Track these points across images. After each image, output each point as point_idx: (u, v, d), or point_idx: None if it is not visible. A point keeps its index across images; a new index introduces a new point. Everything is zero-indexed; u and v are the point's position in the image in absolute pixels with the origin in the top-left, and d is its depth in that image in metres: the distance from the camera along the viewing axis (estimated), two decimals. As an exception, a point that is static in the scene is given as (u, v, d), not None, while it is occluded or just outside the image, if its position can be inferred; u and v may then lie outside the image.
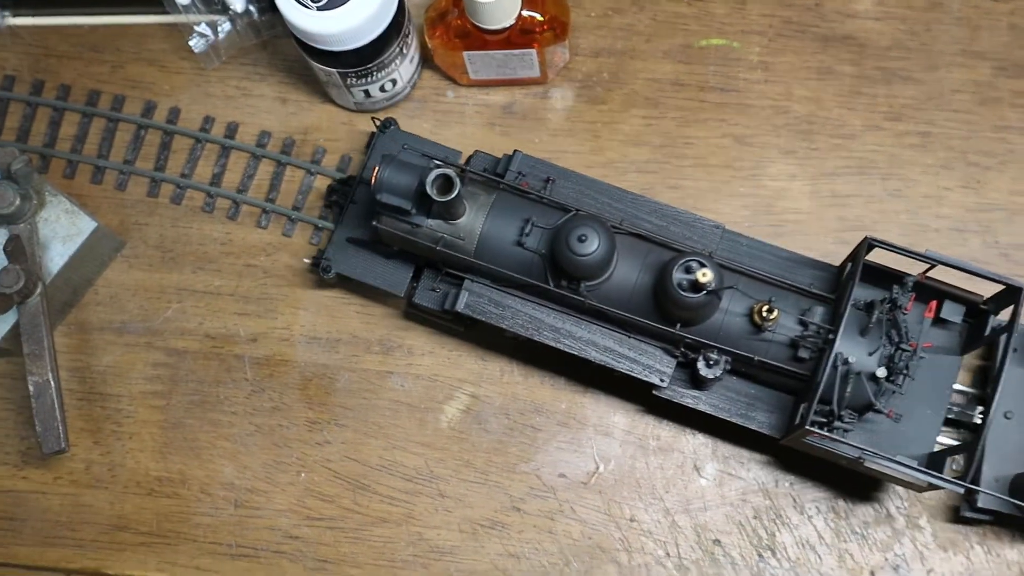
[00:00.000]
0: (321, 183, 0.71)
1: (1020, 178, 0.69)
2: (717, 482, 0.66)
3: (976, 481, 0.60)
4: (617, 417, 0.67)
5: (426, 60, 0.72)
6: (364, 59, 0.64)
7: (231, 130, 0.72)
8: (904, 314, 0.58)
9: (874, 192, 0.70)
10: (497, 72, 0.70)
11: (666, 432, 0.67)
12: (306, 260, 0.69)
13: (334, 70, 0.65)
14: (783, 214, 0.70)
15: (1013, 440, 0.61)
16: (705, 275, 0.56)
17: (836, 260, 0.65)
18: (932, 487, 0.57)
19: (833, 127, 0.70)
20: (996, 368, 0.57)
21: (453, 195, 0.57)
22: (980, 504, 0.61)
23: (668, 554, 0.65)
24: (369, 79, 0.67)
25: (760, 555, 0.65)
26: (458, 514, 0.67)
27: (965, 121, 0.70)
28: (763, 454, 0.66)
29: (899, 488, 0.65)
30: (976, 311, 0.60)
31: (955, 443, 0.62)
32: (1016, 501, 0.58)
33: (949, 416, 0.61)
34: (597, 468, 0.67)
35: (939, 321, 0.61)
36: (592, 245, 0.57)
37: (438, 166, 0.58)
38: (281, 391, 0.68)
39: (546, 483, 0.67)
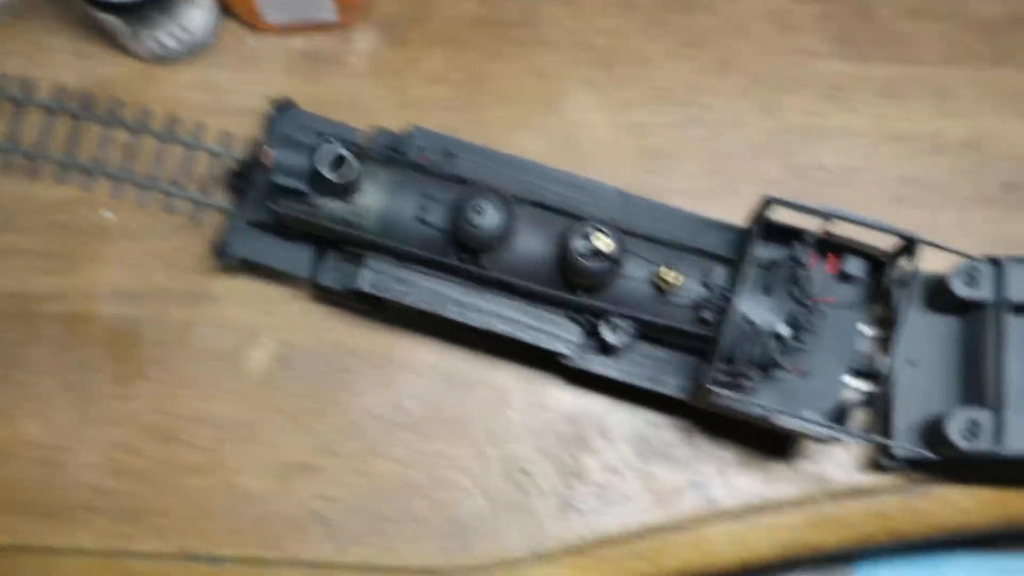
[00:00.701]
0: (119, 135, 0.70)
1: (812, 99, 0.70)
2: (525, 413, 0.67)
3: (887, 432, 0.62)
4: (424, 354, 0.67)
5: (227, 9, 0.71)
6: (143, 4, 0.63)
7: (26, 86, 0.71)
8: (806, 270, 0.59)
9: (674, 120, 0.70)
10: (293, 15, 0.70)
11: (473, 367, 0.67)
12: (108, 214, 0.69)
13: (112, 17, 0.64)
14: (583, 145, 0.70)
15: (921, 387, 0.62)
16: (601, 240, 0.56)
17: (637, 189, 0.65)
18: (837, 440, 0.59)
19: (633, 57, 0.71)
20: (895, 319, 0.58)
21: (348, 174, 0.57)
22: (898, 453, 0.62)
23: (478, 486, 0.66)
24: (155, 26, 0.66)
25: (567, 482, 0.65)
26: (270, 460, 0.67)
27: (761, 47, 0.70)
28: (570, 384, 0.67)
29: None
30: (878, 264, 0.61)
31: (866, 394, 0.62)
32: (923, 451, 0.60)
33: (857, 369, 0.61)
34: (407, 406, 0.67)
35: (846, 277, 0.62)
36: (488, 216, 0.58)
37: (331, 143, 0.58)
38: (86, 347, 0.68)
39: (358, 424, 0.67)
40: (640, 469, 0.66)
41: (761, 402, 0.58)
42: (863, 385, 0.63)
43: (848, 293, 0.62)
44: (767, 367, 0.59)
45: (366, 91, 0.70)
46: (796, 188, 0.68)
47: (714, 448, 0.66)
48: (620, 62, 0.70)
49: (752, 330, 0.58)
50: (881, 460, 0.63)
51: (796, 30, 0.70)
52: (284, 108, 0.66)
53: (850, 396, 0.62)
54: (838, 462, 0.66)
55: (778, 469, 0.66)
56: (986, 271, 0.59)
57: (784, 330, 0.57)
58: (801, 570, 0.82)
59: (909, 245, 0.58)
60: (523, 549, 0.66)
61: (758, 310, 0.58)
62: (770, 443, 0.66)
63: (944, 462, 0.61)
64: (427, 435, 0.66)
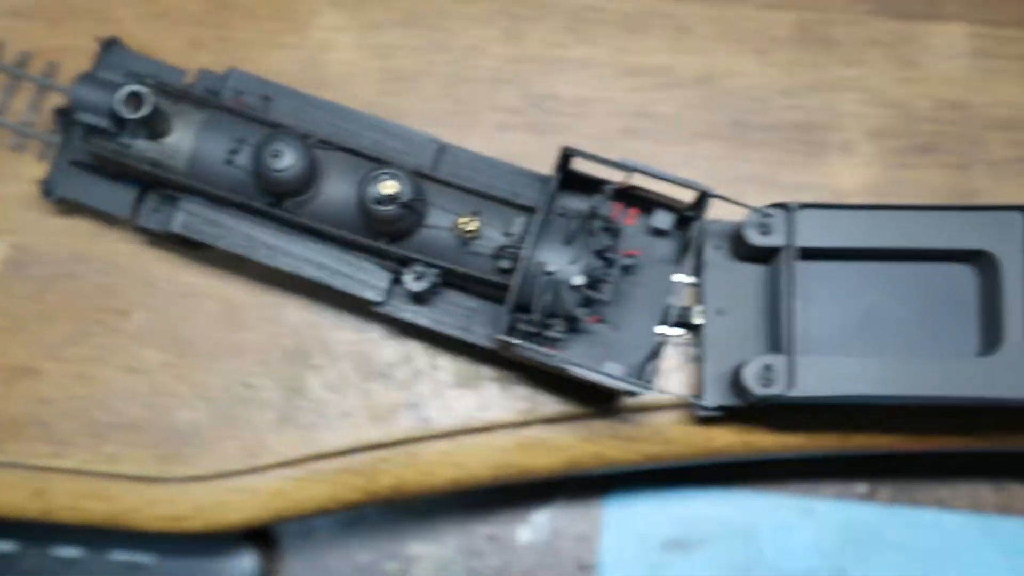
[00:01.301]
0: None
1: (555, 30, 0.70)
2: (252, 328, 0.68)
3: (700, 381, 0.63)
4: (152, 266, 0.68)
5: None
6: None
7: None
8: (611, 223, 0.60)
9: (419, 44, 0.71)
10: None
11: (199, 279, 0.68)
12: None
13: None
14: (329, 66, 0.71)
15: (730, 336, 0.63)
16: (388, 187, 0.57)
17: (378, 110, 0.66)
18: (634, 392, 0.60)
19: (378, -21, 0.71)
20: (696, 271, 0.60)
21: (144, 112, 0.58)
22: (707, 403, 0.63)
23: (199, 396, 0.67)
24: None
25: (287, 397, 0.67)
26: (-8, 362, 0.67)
27: (507, -25, 0.71)
28: (300, 298, 0.67)
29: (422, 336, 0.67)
30: (685, 217, 0.62)
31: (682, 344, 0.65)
32: (728, 400, 0.63)
33: (673, 321, 0.62)
34: (134, 315, 0.68)
35: (660, 231, 0.63)
36: (286, 160, 0.58)
37: (133, 84, 0.58)
38: None
39: (83, 330, 0.68)
40: (359, 387, 0.67)
41: (563, 354, 0.59)
42: (678, 334, 0.64)
43: (663, 247, 0.63)
44: (568, 318, 0.60)
45: (115, 13, 0.70)
46: (532, 117, 0.69)
47: (433, 371, 0.67)
48: (367, -16, 0.70)
49: (549, 280, 0.58)
50: (694, 411, 0.64)
51: (534, -41, 0.70)
52: (110, 46, 0.66)
53: (668, 346, 0.63)
54: (550, 388, 0.67)
55: (493, 393, 0.67)
56: (779, 218, 0.60)
57: (580, 280, 0.58)
58: (553, 505, 0.84)
59: (701, 198, 0.59)
60: (240, 461, 0.67)
61: (556, 260, 0.59)
62: (487, 372, 0.67)
63: (754, 409, 0.63)
64: (151, 345, 0.67)
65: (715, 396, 0.63)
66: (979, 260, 0.61)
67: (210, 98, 0.62)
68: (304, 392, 0.67)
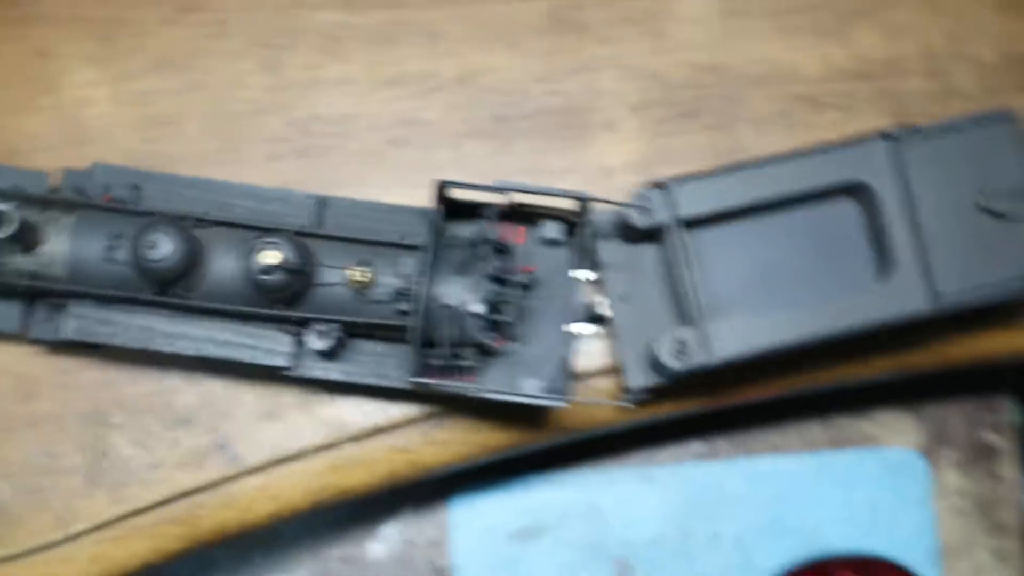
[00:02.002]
0: None
1: (309, 53, 0.70)
2: (46, 397, 0.68)
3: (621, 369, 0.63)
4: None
5: None
6: None
7: None
8: (499, 244, 0.60)
9: (176, 86, 0.70)
10: None
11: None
12: None
13: None
14: (88, 121, 0.70)
15: (638, 319, 0.64)
16: (270, 256, 0.56)
17: (143, 159, 0.66)
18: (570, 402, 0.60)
19: (133, 28, 0.71)
20: (593, 266, 0.60)
21: (11, 230, 0.56)
22: (632, 386, 0.63)
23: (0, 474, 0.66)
24: None
25: (92, 460, 0.66)
26: None
27: (255, 4, 0.71)
28: (93, 360, 0.67)
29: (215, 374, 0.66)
30: (572, 224, 0.62)
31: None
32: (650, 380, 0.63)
33: (577, 321, 0.63)
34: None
35: (552, 242, 0.63)
36: (163, 249, 0.57)
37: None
38: None
39: None
40: (165, 437, 0.67)
41: (478, 385, 0.60)
42: (590, 331, 0.65)
43: (559, 255, 0.63)
44: (476, 345, 0.60)
45: None
46: (300, 143, 0.69)
47: (235, 408, 0.67)
48: (120, 34, 0.70)
49: (450, 313, 0.58)
50: (624, 400, 0.64)
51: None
52: None
53: (581, 345, 0.64)
54: (355, 403, 0.67)
55: (298, 419, 0.67)
56: (657, 197, 0.60)
57: (479, 308, 0.58)
58: (400, 515, 0.85)
59: (583, 203, 0.59)
60: (53, 532, 0.66)
61: (453, 292, 0.59)
62: (289, 400, 0.67)
63: (681, 382, 0.63)
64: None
65: (638, 380, 0.64)
66: (855, 192, 0.63)
67: (77, 199, 0.61)
68: (109, 452, 0.66)
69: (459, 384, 0.60)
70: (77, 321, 0.62)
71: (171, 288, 0.60)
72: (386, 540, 0.87)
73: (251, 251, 0.57)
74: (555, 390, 0.62)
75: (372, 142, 0.69)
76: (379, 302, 0.60)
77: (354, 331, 0.62)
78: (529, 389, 0.61)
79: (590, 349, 0.67)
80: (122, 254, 0.60)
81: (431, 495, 0.87)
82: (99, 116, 0.69)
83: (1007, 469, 0.87)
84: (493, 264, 0.60)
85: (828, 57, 0.70)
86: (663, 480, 0.88)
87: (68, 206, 0.61)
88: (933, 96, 0.69)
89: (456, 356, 0.60)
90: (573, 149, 0.69)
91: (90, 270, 0.60)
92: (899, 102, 0.69)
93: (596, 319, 0.65)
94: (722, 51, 0.70)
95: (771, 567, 0.86)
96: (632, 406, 0.65)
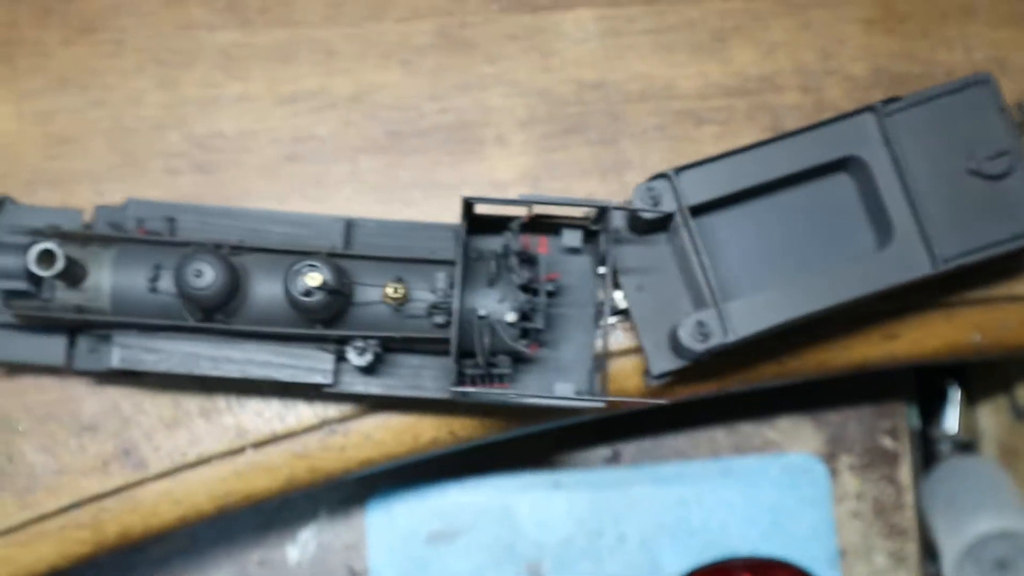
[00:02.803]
0: None
1: (208, 71, 0.73)
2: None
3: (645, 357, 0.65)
4: None
5: None
6: None
7: None
8: (526, 254, 0.62)
9: (77, 104, 0.72)
10: None
11: None
12: None
13: None
14: (-10, 140, 0.71)
15: (655, 306, 0.66)
16: (313, 279, 0.58)
17: (44, 176, 0.68)
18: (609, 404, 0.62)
19: (31, 48, 0.73)
20: (608, 272, 0.61)
21: (58, 267, 0.58)
22: (655, 372, 0.66)
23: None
24: None
25: (-5, 465, 0.68)
26: None
27: (152, 24, 0.73)
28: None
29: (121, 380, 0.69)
30: (589, 231, 0.65)
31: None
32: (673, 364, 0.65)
33: (602, 318, 0.64)
34: None
35: (573, 250, 0.66)
36: (208, 277, 0.59)
37: (41, 241, 0.58)
38: None
39: None
40: (71, 443, 0.69)
41: (516, 391, 0.62)
42: (612, 322, 0.68)
43: (579, 261, 0.66)
44: (510, 353, 0.62)
45: None
46: (199, 158, 0.72)
47: (139, 415, 0.69)
48: (20, 54, 0.72)
49: (484, 323, 0.61)
50: (647, 382, 0.66)
51: (185, 4, 0.73)
52: (0, 204, 0.66)
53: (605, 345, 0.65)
54: (256, 411, 0.69)
55: (201, 426, 0.69)
56: (663, 187, 0.63)
57: (512, 317, 0.60)
58: (318, 519, 0.87)
59: (602, 211, 0.62)
60: (-40, 538, 0.68)
61: (486, 303, 0.61)
62: (192, 407, 0.70)
63: (702, 363, 0.66)
64: None
65: (660, 365, 0.66)
66: (848, 166, 0.66)
67: (115, 234, 0.63)
68: (15, 458, 0.69)
69: (499, 392, 0.62)
70: (122, 351, 0.64)
71: (215, 314, 0.62)
72: (303, 544, 0.89)
73: (291, 274, 0.59)
74: (586, 391, 0.65)
75: (270, 157, 0.72)
76: (415, 316, 0.62)
77: (391, 345, 0.64)
78: (561, 392, 0.64)
79: (613, 342, 0.70)
80: (165, 284, 0.61)
81: (348, 499, 0.90)
82: (3, 134, 0.72)
83: (903, 473, 0.90)
84: (521, 274, 0.62)
85: (706, 73, 0.73)
86: (572, 484, 0.91)
87: (107, 241, 0.63)
88: (806, 110, 0.72)
89: (491, 364, 0.63)
90: (465, 163, 0.72)
91: (134, 301, 0.62)
92: (775, 116, 0.72)
93: (616, 313, 0.67)
94: (605, 68, 0.73)
95: (675, 568, 0.89)
96: (663, 401, 0.67)
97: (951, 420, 0.97)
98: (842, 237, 0.66)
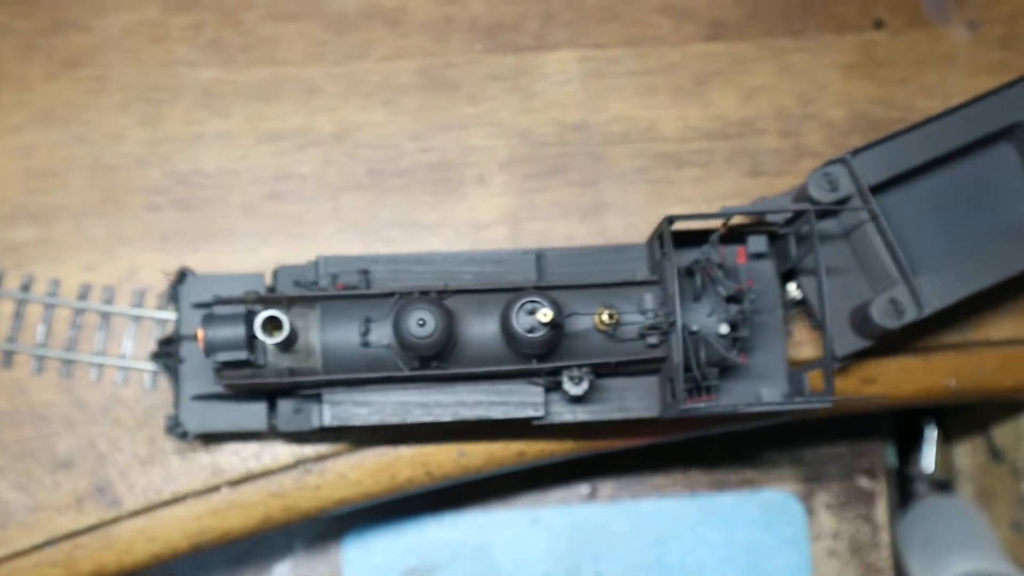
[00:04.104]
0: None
1: (190, 108, 0.73)
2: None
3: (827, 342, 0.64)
4: None
5: None
6: None
7: None
8: (720, 267, 0.62)
9: (59, 139, 0.72)
10: None
11: None
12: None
13: None
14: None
15: (837, 290, 0.66)
16: (545, 315, 0.57)
17: (26, 210, 0.68)
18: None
19: (14, 83, 0.73)
20: (815, 268, 0.61)
21: (285, 333, 0.57)
22: (841, 355, 0.66)
23: None
24: None
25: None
26: None
27: (136, 61, 0.73)
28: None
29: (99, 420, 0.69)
30: (774, 235, 0.66)
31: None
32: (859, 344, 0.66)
33: (788, 316, 0.67)
34: None
35: (756, 256, 0.66)
36: (430, 325, 0.58)
37: (258, 309, 0.58)
38: None
39: None
40: (45, 480, 0.69)
41: (727, 400, 0.63)
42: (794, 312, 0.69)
43: (765, 266, 0.67)
44: (721, 366, 0.62)
45: None
46: (180, 194, 0.72)
47: (115, 452, 0.69)
48: (2, 89, 0.72)
49: (698, 337, 0.61)
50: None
51: (168, 42, 0.73)
52: (182, 276, 0.66)
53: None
54: (233, 450, 0.69)
55: (176, 464, 0.69)
56: (839, 172, 0.64)
57: (726, 329, 0.61)
58: (294, 554, 0.86)
59: (805, 213, 0.61)
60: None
61: (696, 317, 0.61)
62: (168, 446, 0.70)
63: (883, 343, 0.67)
64: None
65: (844, 348, 0.67)
66: (1014, 134, 0.67)
67: (317, 292, 0.62)
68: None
69: (730, 405, 0.62)
70: (333, 408, 0.63)
71: (431, 361, 0.61)
72: (279, 580, 0.89)
73: (516, 312, 0.59)
74: (789, 394, 0.65)
75: (251, 195, 0.72)
76: (627, 340, 0.62)
77: (599, 371, 0.63)
78: (768, 397, 0.65)
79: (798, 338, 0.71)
80: (376, 336, 0.61)
81: (324, 534, 0.89)
82: (-21, 170, 0.72)
83: (879, 512, 0.90)
84: (727, 285, 0.62)
85: (687, 116, 0.73)
86: (550, 521, 0.91)
87: (310, 300, 0.62)
88: (785, 154, 0.72)
89: (703, 377, 0.62)
90: (445, 203, 0.72)
91: (346, 357, 0.61)
92: (754, 160, 0.73)
93: (796, 304, 0.68)
94: (586, 110, 0.74)
95: (652, 606, 0.89)
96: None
97: (928, 459, 0.97)
98: (1011, 205, 0.68)
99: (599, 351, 0.62)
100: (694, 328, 0.62)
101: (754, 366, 0.67)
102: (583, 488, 0.92)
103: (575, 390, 0.61)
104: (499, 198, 0.72)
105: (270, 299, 0.61)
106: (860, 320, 0.65)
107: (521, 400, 0.63)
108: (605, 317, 0.61)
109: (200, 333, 0.60)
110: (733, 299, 0.62)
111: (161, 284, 0.69)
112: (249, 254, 0.71)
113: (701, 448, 0.91)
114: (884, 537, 0.89)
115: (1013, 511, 0.85)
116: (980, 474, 0.91)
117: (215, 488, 0.70)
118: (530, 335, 0.59)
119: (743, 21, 0.74)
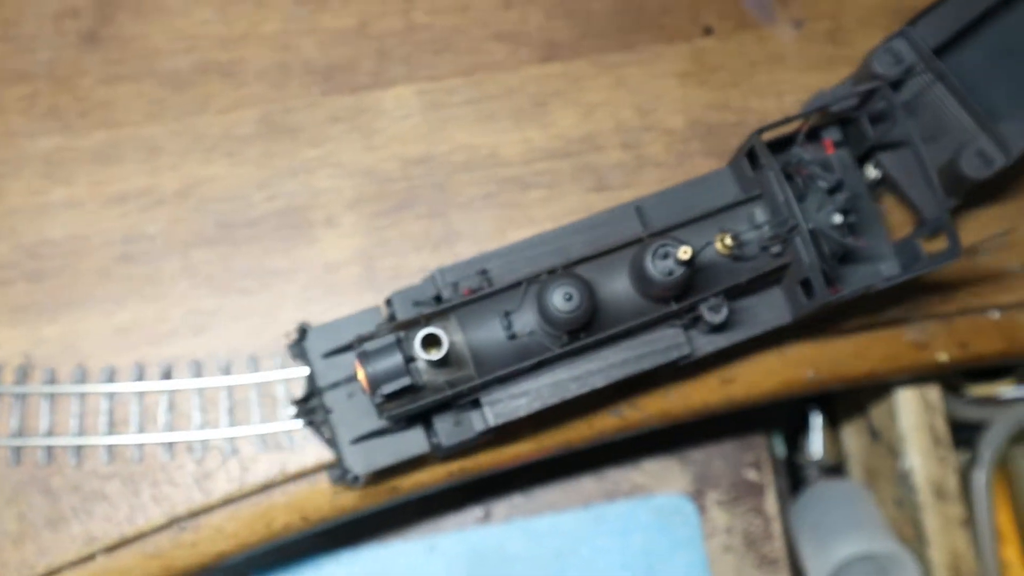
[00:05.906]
0: None
1: (32, 178, 0.73)
2: None
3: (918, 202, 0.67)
4: None
5: None
6: None
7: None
8: (819, 161, 0.64)
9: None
10: None
11: None
12: None
13: None
14: None
15: (906, 167, 0.68)
16: (684, 252, 0.58)
17: None
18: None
19: None
20: (901, 136, 0.64)
21: (446, 345, 0.57)
22: (931, 216, 0.66)
23: None
24: None
25: None
26: None
27: (-29, 136, 0.72)
28: None
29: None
30: (847, 120, 0.67)
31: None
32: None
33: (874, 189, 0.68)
34: None
35: (834, 145, 0.67)
36: (576, 298, 0.58)
37: (427, 328, 0.58)
38: None
39: None
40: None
41: (847, 288, 0.63)
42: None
43: (843, 153, 0.68)
44: (840, 254, 0.64)
45: None
46: (30, 266, 0.71)
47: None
48: None
49: (815, 234, 0.62)
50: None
51: (4, 114, 0.72)
52: (303, 332, 0.66)
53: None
54: (104, 515, 0.69)
55: (48, 537, 0.69)
56: (900, 44, 0.66)
57: (839, 218, 0.62)
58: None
59: (874, 90, 0.64)
60: None
61: (808, 217, 0.62)
62: (43, 517, 0.70)
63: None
64: None
65: (931, 211, 0.67)
66: None
67: (447, 303, 0.62)
68: None
69: (861, 286, 0.62)
70: (493, 407, 0.64)
71: (579, 333, 0.61)
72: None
73: (653, 259, 0.59)
74: (905, 265, 0.67)
75: (102, 259, 0.72)
76: (750, 258, 0.63)
77: (729, 295, 0.64)
78: (889, 272, 0.66)
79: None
80: (519, 326, 0.61)
81: (222, 583, 0.89)
82: None
83: (770, 504, 0.91)
84: (827, 177, 0.64)
85: (529, 139, 0.74)
86: (446, 548, 0.91)
87: (443, 312, 0.62)
88: (629, 166, 0.74)
89: (828, 273, 0.63)
90: (297, 248, 0.73)
91: (496, 354, 0.61)
92: (599, 175, 0.74)
93: (877, 185, 0.69)
94: (429, 142, 0.74)
95: (555, 622, 0.90)
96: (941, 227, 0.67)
97: (816, 446, 0.99)
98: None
99: (728, 275, 0.63)
100: (809, 227, 0.63)
101: (861, 249, 0.68)
102: (477, 511, 0.92)
103: (716, 318, 0.62)
104: (349, 238, 0.73)
105: (408, 323, 0.61)
106: (950, 179, 0.67)
107: (666, 344, 0.65)
108: (728, 241, 0.63)
109: (360, 372, 0.60)
110: (834, 189, 0.64)
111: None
112: (106, 319, 0.71)
113: (590, 458, 0.92)
114: (776, 528, 0.91)
115: (895, 488, 0.86)
116: (865, 455, 0.93)
117: (90, 557, 0.69)
118: (669, 277, 0.60)
119: (576, 40, 0.75)
